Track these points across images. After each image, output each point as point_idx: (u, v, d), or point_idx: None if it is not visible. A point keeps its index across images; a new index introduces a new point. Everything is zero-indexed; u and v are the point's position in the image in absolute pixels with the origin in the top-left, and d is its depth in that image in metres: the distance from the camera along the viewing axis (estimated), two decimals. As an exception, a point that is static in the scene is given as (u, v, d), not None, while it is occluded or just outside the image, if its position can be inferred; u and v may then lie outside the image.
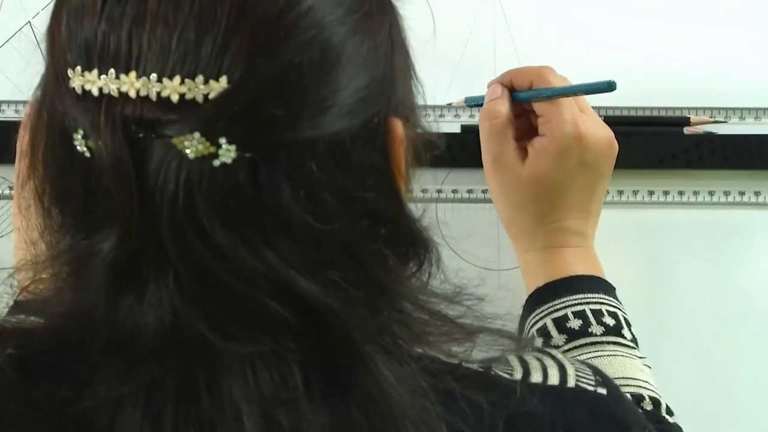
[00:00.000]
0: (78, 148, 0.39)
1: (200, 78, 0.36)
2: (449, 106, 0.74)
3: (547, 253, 0.67)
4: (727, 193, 0.74)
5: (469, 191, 0.74)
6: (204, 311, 0.39)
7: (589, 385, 0.46)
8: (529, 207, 0.66)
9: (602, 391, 0.47)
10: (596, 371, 0.48)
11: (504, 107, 0.67)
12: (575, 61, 0.74)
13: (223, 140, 0.37)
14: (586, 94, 0.65)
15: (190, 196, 0.37)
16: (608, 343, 0.62)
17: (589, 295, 0.64)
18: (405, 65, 0.46)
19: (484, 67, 0.74)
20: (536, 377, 0.46)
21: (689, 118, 0.73)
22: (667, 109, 0.74)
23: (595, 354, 0.62)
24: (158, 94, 0.37)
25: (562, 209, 0.66)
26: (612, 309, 0.64)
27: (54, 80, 0.40)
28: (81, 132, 0.38)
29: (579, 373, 0.47)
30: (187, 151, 0.37)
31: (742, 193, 0.74)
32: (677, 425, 0.60)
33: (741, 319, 0.74)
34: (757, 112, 0.74)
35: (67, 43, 0.39)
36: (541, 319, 0.65)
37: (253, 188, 0.38)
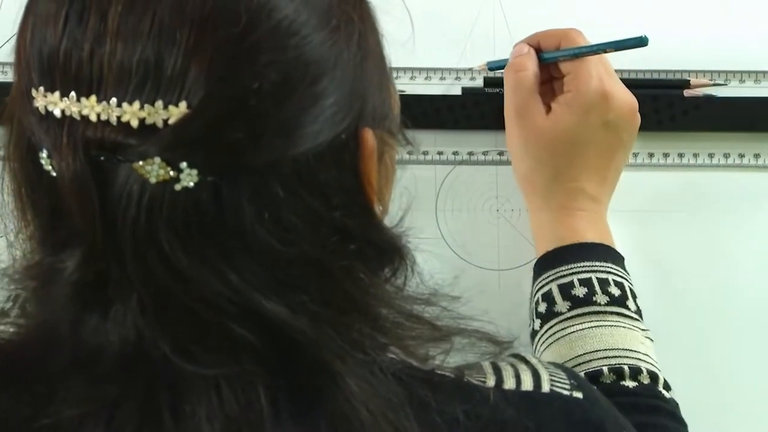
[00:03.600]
0: (44, 166, 0.38)
1: (159, 103, 0.36)
2: (470, 70, 0.73)
3: (559, 214, 0.66)
4: (726, 156, 0.74)
5: (470, 153, 0.74)
6: (167, 333, 0.38)
7: (564, 389, 0.46)
8: (548, 162, 0.66)
9: (578, 394, 0.46)
10: (571, 374, 0.47)
11: (531, 62, 0.67)
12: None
13: (183, 164, 0.36)
14: (617, 50, 0.64)
15: (151, 220, 0.37)
16: (611, 313, 0.62)
17: (598, 264, 0.64)
18: (378, 71, 0.44)
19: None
20: (509, 384, 0.45)
21: (689, 80, 0.73)
22: (666, 71, 0.73)
23: (597, 324, 0.62)
24: (118, 118, 0.36)
25: (580, 168, 0.66)
26: (619, 279, 0.64)
27: (20, 96, 0.39)
28: (45, 151, 0.38)
29: (553, 378, 0.46)
30: (148, 176, 0.36)
31: (741, 156, 0.74)
32: (674, 400, 0.60)
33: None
34: (757, 75, 0.73)
35: (31, 59, 0.38)
36: (547, 284, 0.65)
37: (215, 212, 0.37)
